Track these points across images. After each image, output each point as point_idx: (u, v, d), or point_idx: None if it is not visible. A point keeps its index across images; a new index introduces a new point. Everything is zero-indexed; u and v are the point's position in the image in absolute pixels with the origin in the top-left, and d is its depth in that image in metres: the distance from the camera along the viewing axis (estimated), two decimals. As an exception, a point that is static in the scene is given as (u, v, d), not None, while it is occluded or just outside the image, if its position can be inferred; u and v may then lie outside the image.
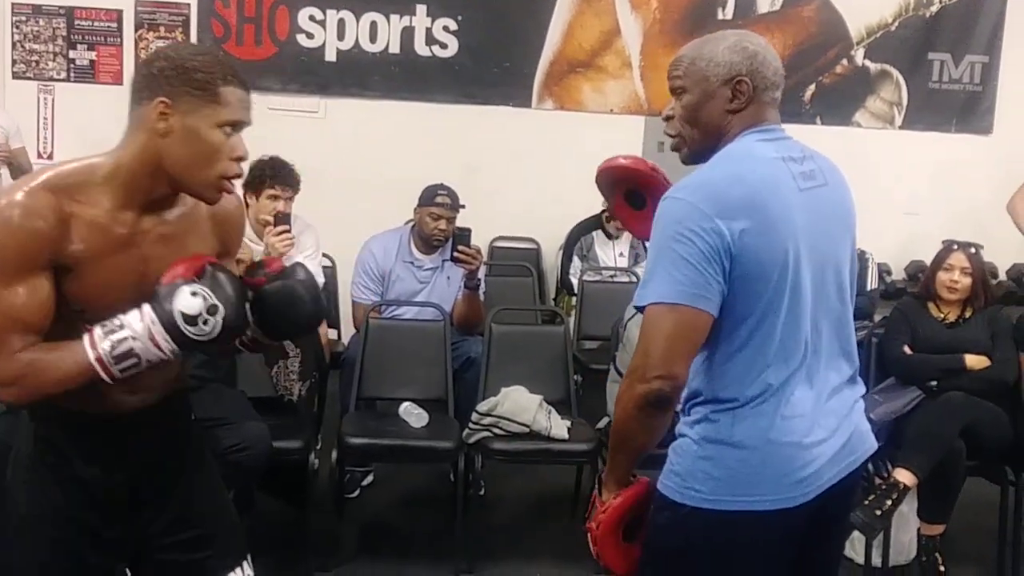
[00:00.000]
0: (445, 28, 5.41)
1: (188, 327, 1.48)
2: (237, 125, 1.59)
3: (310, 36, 5.33)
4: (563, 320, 4.13)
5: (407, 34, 5.39)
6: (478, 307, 3.96)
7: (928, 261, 3.74)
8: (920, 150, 5.86)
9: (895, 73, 5.98)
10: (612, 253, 5.35)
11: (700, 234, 1.55)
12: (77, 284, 1.56)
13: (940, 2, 5.92)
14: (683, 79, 1.72)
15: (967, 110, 6.03)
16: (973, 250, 3.60)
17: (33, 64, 5.38)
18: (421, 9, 5.41)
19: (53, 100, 5.42)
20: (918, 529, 3.43)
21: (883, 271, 5.56)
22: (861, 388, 1.82)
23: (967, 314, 3.61)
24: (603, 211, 5.35)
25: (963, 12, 5.94)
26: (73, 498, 1.67)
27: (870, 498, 3.25)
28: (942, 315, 3.64)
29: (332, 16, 5.33)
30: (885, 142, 5.91)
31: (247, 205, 3.70)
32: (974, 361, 3.49)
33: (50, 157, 5.45)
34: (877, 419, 3.48)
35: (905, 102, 5.99)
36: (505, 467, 3.90)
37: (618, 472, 1.74)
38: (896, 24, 5.92)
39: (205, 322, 1.49)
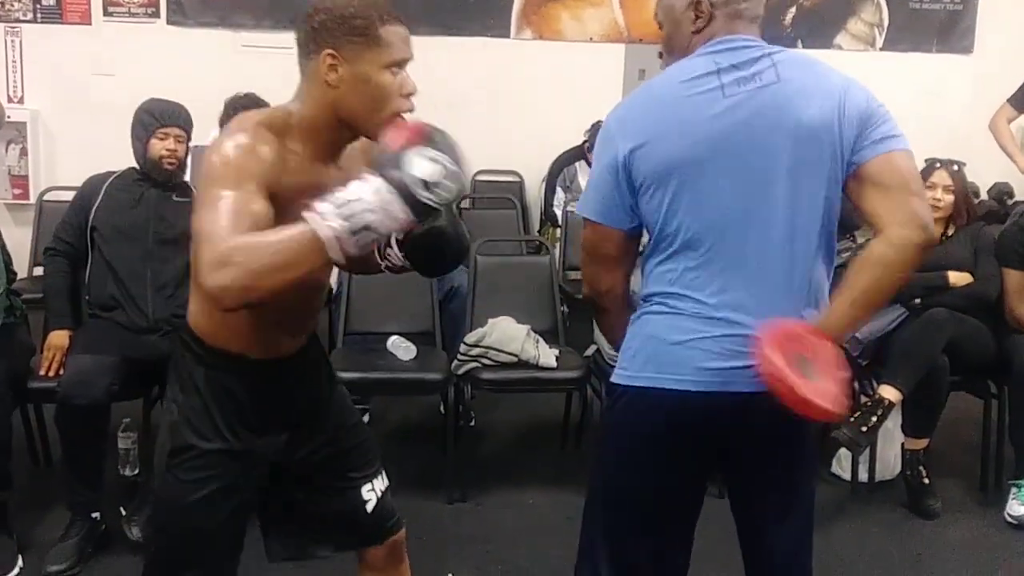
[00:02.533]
0: (421, -40, 5.31)
1: (427, 194, 1.39)
2: (401, 63, 1.61)
3: (287, -30, 5.22)
4: (548, 250, 4.12)
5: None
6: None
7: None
8: (901, 71, 5.83)
9: (877, -7, 5.92)
10: (595, 183, 5.33)
11: (608, 154, 1.71)
12: (276, 222, 1.50)
13: (921, -81, 5.85)
14: (659, 14, 1.82)
15: (948, 30, 6.00)
16: (955, 168, 3.60)
17: (-2, 6, 5.26)
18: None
19: (20, 42, 5.30)
20: (902, 444, 3.48)
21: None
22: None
23: (949, 232, 3.62)
24: (585, 141, 5.31)
25: (945, -72, 5.87)
26: (236, 437, 1.74)
27: (855, 415, 3.29)
28: (925, 233, 3.64)
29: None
30: (866, 64, 5.86)
31: (224, 143, 3.65)
32: (957, 278, 3.51)
33: (20, 101, 5.35)
34: (862, 337, 3.52)
35: (886, 23, 5.95)
36: (495, 397, 3.93)
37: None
38: (875, -61, 5.85)
39: (447, 189, 1.41)
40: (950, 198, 3.58)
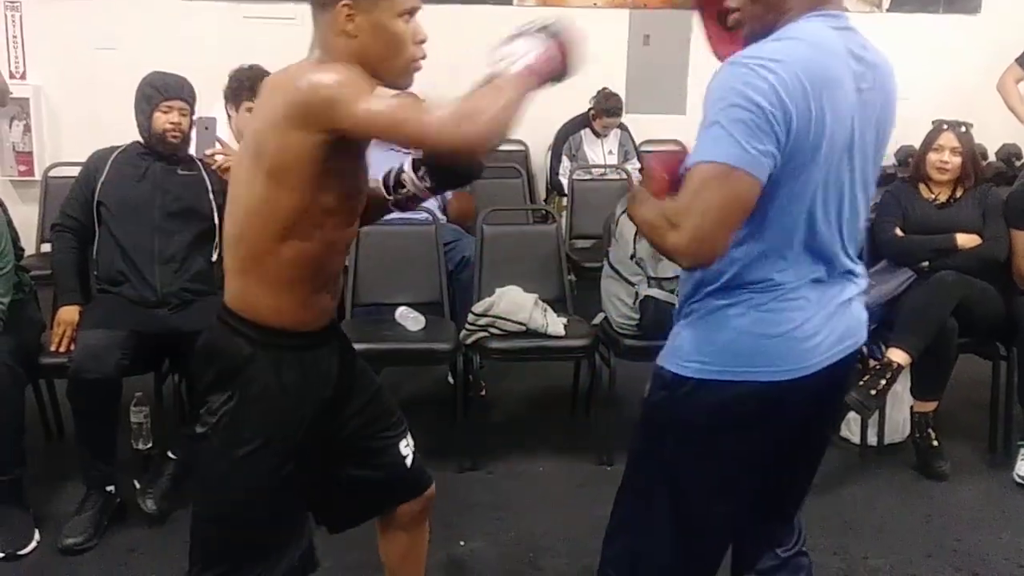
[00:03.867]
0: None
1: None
2: (413, 11, 1.69)
3: (282, -60, 5.16)
4: (555, 219, 4.11)
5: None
6: (468, 202, 3.98)
7: (918, 145, 3.71)
8: (908, 32, 5.77)
9: (883, -46, 5.86)
10: (601, 151, 5.31)
11: (766, 105, 1.47)
12: (337, 163, 1.63)
13: None
14: None
15: (956, -11, 5.93)
16: (963, 129, 3.57)
17: (-3, -19, 5.23)
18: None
19: (21, 18, 5.27)
20: (911, 407, 3.49)
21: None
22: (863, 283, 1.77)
23: (957, 194, 3.60)
24: (590, 109, 5.29)
25: None
26: (313, 411, 1.78)
27: (864, 379, 3.30)
28: (933, 196, 3.63)
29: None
30: (873, 26, 5.72)
31: (228, 116, 3.64)
32: (965, 240, 3.50)
33: (23, 76, 5.33)
34: (871, 301, 3.49)
35: (893, -16, 5.89)
36: (503, 366, 3.94)
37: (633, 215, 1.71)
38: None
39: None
40: (957, 160, 3.56)
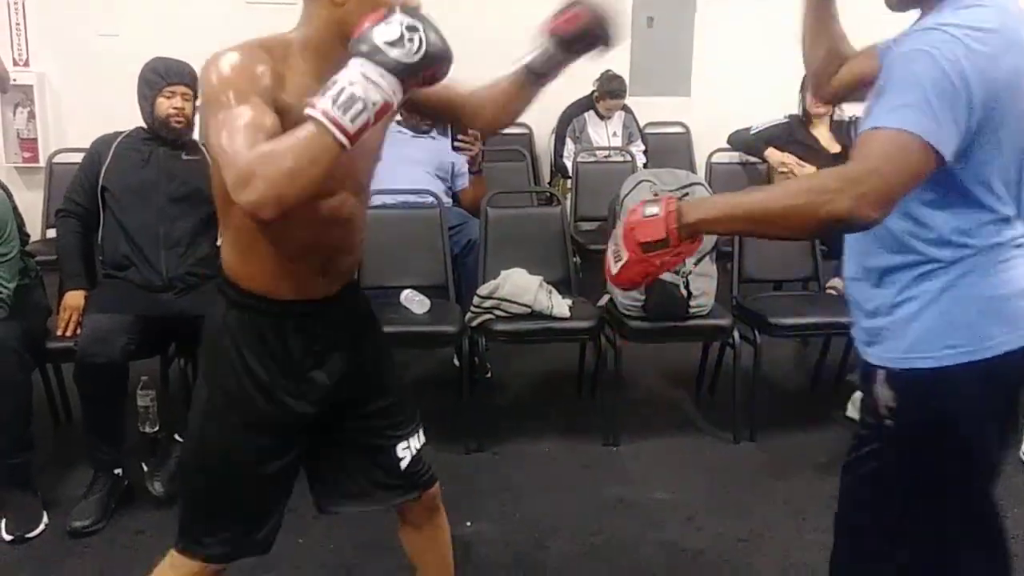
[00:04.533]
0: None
1: (394, 50, 1.42)
2: None
3: (285, -77, 5.14)
4: (559, 201, 4.11)
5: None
6: (482, 189, 3.99)
7: None
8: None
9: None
10: (605, 133, 5.30)
11: (974, 80, 1.42)
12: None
13: None
14: None
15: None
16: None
17: (-1, -32, 5.22)
18: None
19: (23, 5, 5.27)
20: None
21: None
22: None
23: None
24: (593, 91, 5.28)
25: None
26: (270, 379, 1.74)
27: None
28: (940, 175, 3.60)
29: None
30: (878, 6, 5.77)
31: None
32: None
33: (26, 64, 5.33)
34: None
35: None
36: (509, 348, 3.94)
37: (720, 226, 1.60)
38: None
39: (410, 39, 1.42)
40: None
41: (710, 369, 3.90)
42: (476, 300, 3.42)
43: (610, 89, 5.19)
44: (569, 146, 5.24)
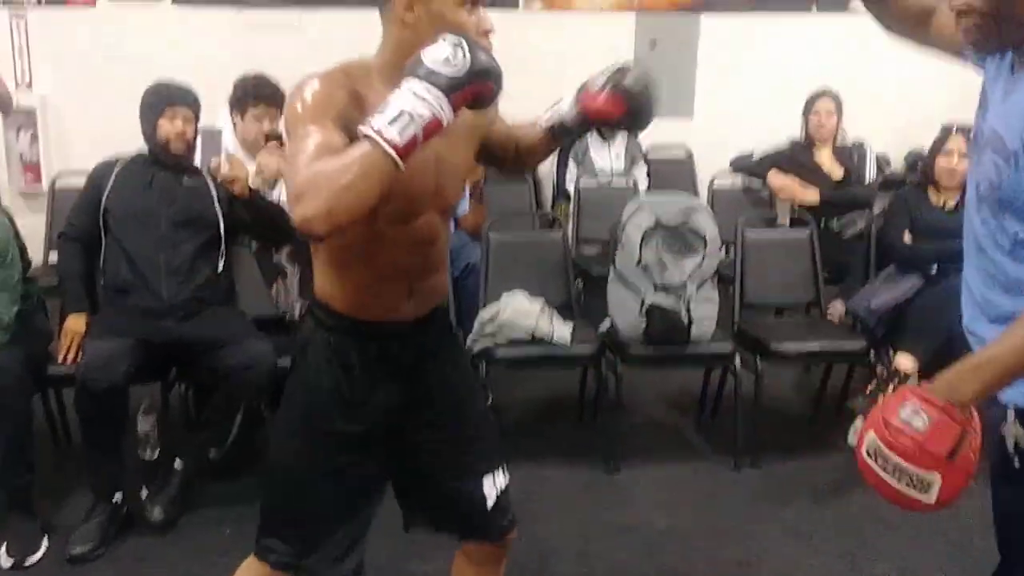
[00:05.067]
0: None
1: (443, 68, 1.46)
2: (476, 2, 1.66)
3: (286, -53, 5.16)
4: (561, 225, 4.11)
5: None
6: (482, 215, 4.00)
7: (927, 149, 3.70)
8: None
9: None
10: (608, 156, 5.29)
11: None
12: None
13: None
14: None
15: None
16: (972, 134, 3.55)
17: (3, -10, 5.24)
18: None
19: (26, 26, 5.29)
20: (920, 413, 3.46)
21: (883, 162, 5.51)
22: None
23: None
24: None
25: None
26: (351, 397, 1.76)
27: (872, 385, 3.29)
28: (941, 201, 3.62)
29: (308, -76, 5.15)
30: (881, 31, 5.79)
31: (233, 124, 3.65)
32: (974, 245, 3.47)
33: (29, 86, 5.34)
34: (876, 308, 3.51)
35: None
36: (510, 373, 3.93)
37: (998, 387, 1.49)
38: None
39: (455, 55, 1.47)
40: (967, 163, 3.53)
41: (712, 395, 3.89)
42: (477, 325, 3.42)
43: (612, 112, 5.19)
44: (572, 169, 5.23)
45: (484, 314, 3.43)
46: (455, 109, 1.47)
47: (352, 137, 1.49)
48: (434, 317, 1.85)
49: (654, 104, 1.84)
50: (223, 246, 3.19)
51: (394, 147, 1.41)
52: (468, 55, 1.46)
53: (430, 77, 1.44)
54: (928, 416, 1.40)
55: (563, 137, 1.94)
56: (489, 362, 3.40)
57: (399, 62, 1.60)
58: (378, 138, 1.41)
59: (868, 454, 1.43)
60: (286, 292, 3.48)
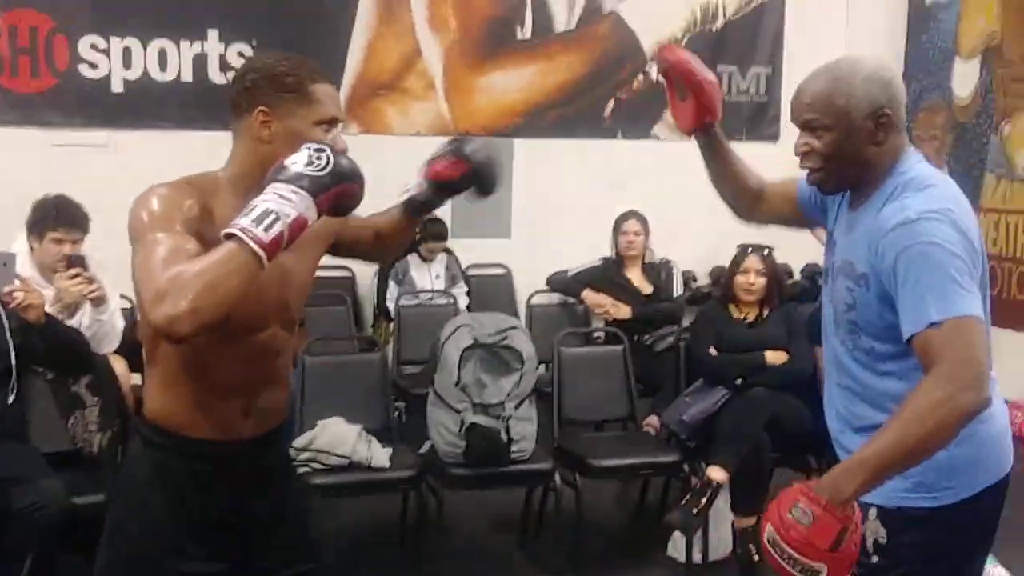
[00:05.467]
0: (240, 54, 5.22)
1: (305, 168, 1.48)
2: (333, 121, 1.67)
3: (93, 66, 4.99)
4: (379, 347, 4.07)
5: (199, 61, 5.16)
6: (304, 338, 3.90)
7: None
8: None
9: (688, 87, 6.25)
10: (428, 276, 5.33)
11: (970, 251, 1.64)
12: None
13: (724, 17, 6.26)
14: (820, 117, 1.73)
15: (756, 119, 6.39)
16: (766, 252, 3.80)
17: None
18: (213, 34, 5.20)
19: None
20: (733, 523, 3.56)
21: (689, 278, 5.80)
22: None
23: (765, 313, 3.81)
24: (416, 234, 5.32)
25: (746, 26, 6.30)
26: (180, 529, 1.67)
27: (687, 497, 3.37)
28: (742, 315, 3.82)
29: (116, 44, 5.01)
30: (684, 153, 6.08)
31: (31, 249, 3.46)
32: (774, 357, 3.68)
33: None
34: (689, 420, 3.62)
35: (699, 114, 6.28)
36: (328, 502, 3.79)
37: (875, 484, 1.60)
38: (685, 39, 6.20)
39: (318, 158, 1.50)
40: (762, 281, 3.77)
41: (534, 513, 3.88)
42: (291, 453, 3.29)
43: (432, 232, 5.26)
44: (393, 288, 5.23)
45: (298, 442, 3.32)
46: (320, 211, 1.49)
47: (203, 245, 1.49)
48: (273, 438, 1.79)
49: (496, 167, 1.91)
50: (14, 377, 2.98)
51: (260, 244, 1.42)
52: (331, 159, 1.50)
53: (295, 180, 1.47)
54: (813, 514, 1.54)
55: (420, 213, 1.98)
56: (305, 491, 3.27)
57: (254, 175, 1.62)
58: (244, 236, 1.42)
59: (768, 543, 1.58)
60: (84, 425, 3.26)
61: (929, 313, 1.58)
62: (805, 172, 1.85)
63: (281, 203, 1.45)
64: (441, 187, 1.91)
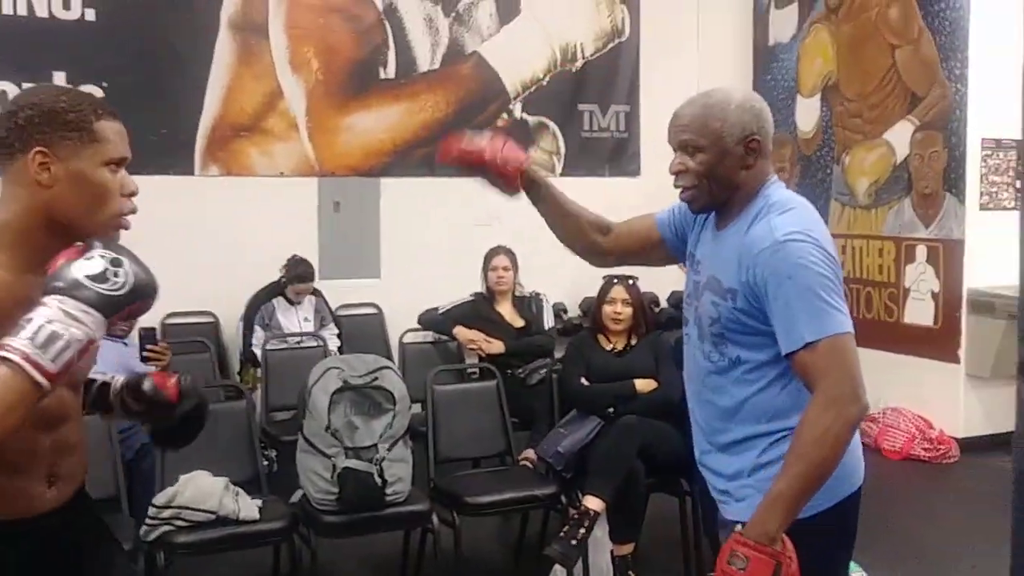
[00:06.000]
0: (90, 96, 5.06)
1: (100, 285, 1.34)
2: (121, 161, 1.54)
3: (-71, 112, 4.76)
4: (245, 394, 3.93)
5: (47, 104, 4.95)
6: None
7: (597, 297, 3.96)
8: (580, 194, 6.16)
9: (551, 124, 6.39)
10: (296, 319, 5.21)
11: (833, 267, 1.76)
12: None
13: (583, 58, 6.42)
14: (696, 138, 1.84)
15: (617, 155, 6.57)
16: (631, 282, 3.86)
17: None
18: (59, 76, 4.99)
19: None
20: (611, 551, 3.57)
21: (560, 310, 5.85)
22: None
23: (632, 341, 3.86)
24: (282, 277, 5.21)
25: (604, 66, 6.49)
26: None
27: (565, 529, 3.36)
28: (611, 345, 3.86)
29: (-44, 86, 4.80)
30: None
31: None
32: (643, 385, 3.73)
33: None
34: (564, 451, 3.62)
35: (563, 151, 6.40)
36: (195, 560, 3.61)
37: (796, 513, 1.70)
38: (547, 79, 6.33)
39: (115, 274, 1.36)
40: (629, 310, 3.83)
41: (413, 555, 3.80)
42: (152, 511, 3.13)
43: (298, 273, 5.15)
44: (259, 333, 5.09)
45: (159, 499, 3.15)
46: (109, 326, 1.38)
47: None
48: (78, 502, 1.66)
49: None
50: None
51: (45, 375, 1.29)
52: (128, 274, 1.38)
53: (86, 297, 1.33)
54: (746, 557, 1.67)
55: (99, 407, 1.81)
56: (169, 550, 3.10)
57: (31, 225, 1.48)
58: (28, 366, 1.27)
59: None
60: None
61: (803, 334, 1.71)
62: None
63: (70, 325, 1.31)
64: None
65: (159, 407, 1.73)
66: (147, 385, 1.73)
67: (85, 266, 1.36)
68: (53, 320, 1.30)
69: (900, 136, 5.70)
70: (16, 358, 1.27)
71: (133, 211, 1.57)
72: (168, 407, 1.72)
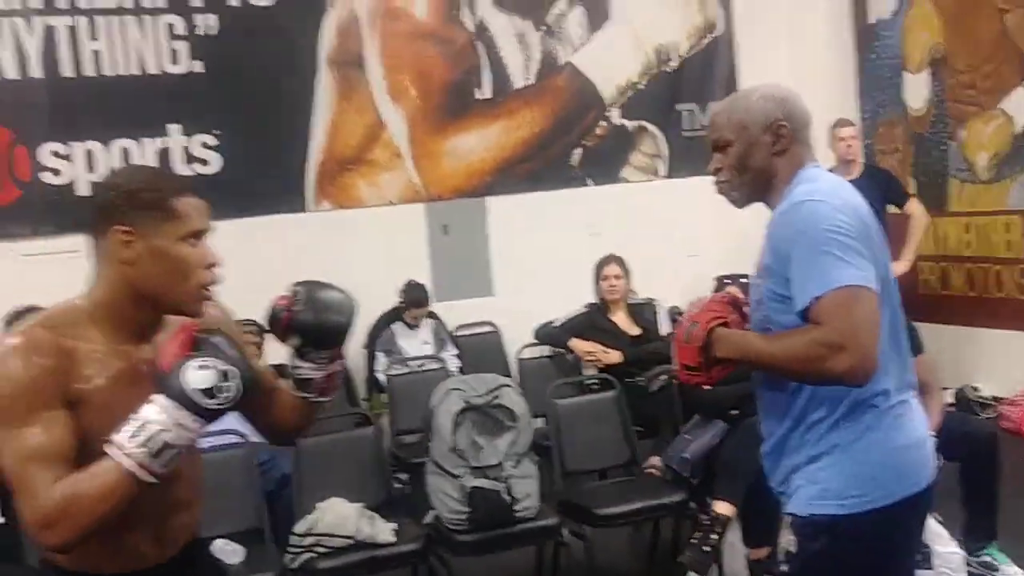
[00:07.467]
0: (204, 144, 5.27)
1: (208, 400, 1.47)
2: (199, 234, 1.59)
3: (56, 172, 5.02)
4: (372, 421, 4.03)
5: (164, 156, 5.18)
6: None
7: (709, 299, 3.91)
8: (688, 195, 6.14)
9: (650, 127, 6.33)
10: (416, 342, 5.32)
11: (854, 226, 1.71)
12: (91, 419, 1.52)
13: (679, 57, 6.35)
14: (724, 133, 1.87)
15: (720, 152, 6.46)
16: (743, 282, 3.80)
17: None
18: (174, 129, 5.24)
19: None
20: (747, 555, 3.51)
21: (675, 314, 5.79)
22: None
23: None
24: (400, 302, 5.32)
25: (699, 63, 6.41)
26: None
27: (697, 535, 3.32)
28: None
29: (78, 148, 5.04)
30: (654, 192, 6.22)
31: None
32: (766, 385, 3.65)
33: None
34: (691, 457, 3.59)
35: (666, 153, 6.34)
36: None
37: (748, 357, 1.80)
38: (643, 82, 6.29)
39: (221, 390, 1.48)
40: (746, 310, 3.75)
41: (547, 570, 3.82)
42: (293, 539, 3.25)
43: (414, 297, 5.26)
44: (382, 360, 5.21)
45: (299, 527, 3.27)
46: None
47: (66, 398, 1.47)
48: (189, 554, 1.71)
49: (327, 319, 1.73)
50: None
51: (154, 475, 1.45)
52: (239, 387, 1.49)
53: (196, 409, 1.46)
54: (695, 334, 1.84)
55: (303, 388, 1.77)
56: (311, 576, 3.21)
57: (120, 302, 1.57)
58: (138, 470, 1.43)
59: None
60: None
61: (812, 290, 1.66)
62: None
63: (179, 433, 1.45)
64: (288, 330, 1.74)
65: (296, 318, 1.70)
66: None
67: (197, 378, 1.47)
68: (167, 429, 1.44)
69: (1018, 104, 5.44)
70: (130, 465, 1.43)
71: (215, 281, 1.62)
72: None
